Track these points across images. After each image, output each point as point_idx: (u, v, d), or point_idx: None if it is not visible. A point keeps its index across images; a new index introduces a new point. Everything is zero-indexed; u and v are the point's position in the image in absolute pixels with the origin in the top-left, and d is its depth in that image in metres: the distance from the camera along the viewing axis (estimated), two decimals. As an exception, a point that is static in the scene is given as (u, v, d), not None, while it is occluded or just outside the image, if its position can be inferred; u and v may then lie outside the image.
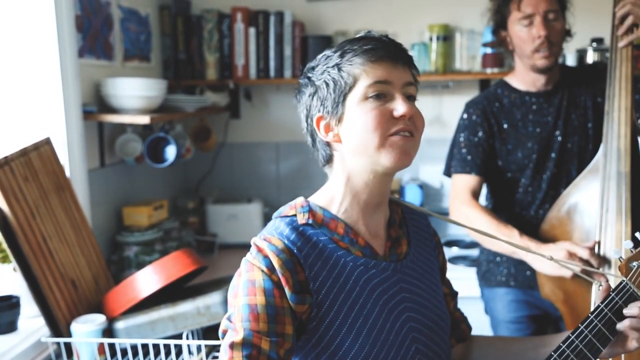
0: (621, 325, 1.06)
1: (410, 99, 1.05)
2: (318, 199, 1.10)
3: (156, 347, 1.68)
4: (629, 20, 1.66)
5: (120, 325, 1.68)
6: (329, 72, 1.04)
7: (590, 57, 2.56)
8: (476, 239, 1.93)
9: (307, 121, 1.10)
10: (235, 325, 0.97)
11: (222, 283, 1.75)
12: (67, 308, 1.70)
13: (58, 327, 1.67)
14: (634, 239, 1.15)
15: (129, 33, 2.47)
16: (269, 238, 1.02)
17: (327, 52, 1.07)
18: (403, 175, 2.89)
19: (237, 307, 0.99)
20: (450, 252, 2.68)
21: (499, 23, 1.86)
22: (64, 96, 1.97)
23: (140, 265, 2.14)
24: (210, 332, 1.74)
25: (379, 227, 1.11)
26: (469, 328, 1.29)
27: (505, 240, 1.38)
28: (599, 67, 1.97)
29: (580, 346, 1.05)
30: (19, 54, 1.93)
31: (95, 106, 2.17)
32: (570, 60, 2.60)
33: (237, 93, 2.98)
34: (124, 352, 1.69)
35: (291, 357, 0.99)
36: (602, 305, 1.08)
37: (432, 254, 1.20)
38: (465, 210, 1.84)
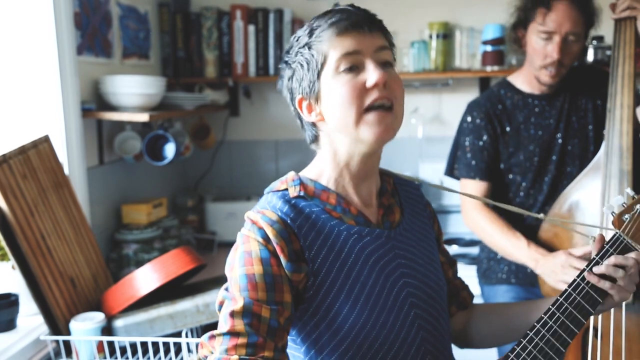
0: (608, 285, 1.05)
1: (386, 65, 1.04)
2: (308, 172, 1.12)
3: (155, 345, 1.69)
4: (626, 11, 1.68)
5: (119, 323, 1.68)
6: (301, 52, 1.05)
7: (591, 55, 2.56)
8: (487, 244, 1.92)
9: (292, 104, 1.11)
10: (234, 295, 0.97)
11: (221, 281, 1.74)
12: (66, 306, 1.70)
13: (57, 325, 1.67)
14: (627, 195, 1.16)
15: (127, 30, 2.46)
16: (263, 211, 1.04)
17: (298, 33, 1.08)
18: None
19: (234, 278, 0.99)
20: (450, 250, 2.66)
21: (522, 21, 1.83)
22: (63, 94, 1.96)
23: (139, 263, 2.14)
24: (209, 330, 1.74)
25: (371, 195, 1.12)
26: (471, 296, 1.29)
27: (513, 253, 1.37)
28: (599, 69, 1.98)
29: (578, 298, 1.05)
30: (18, 51, 1.92)
31: (94, 104, 2.17)
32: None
33: (237, 91, 2.98)
34: (123, 350, 1.69)
35: (290, 325, 1.00)
36: (597, 257, 1.09)
37: (426, 223, 1.20)
38: (474, 216, 1.86)
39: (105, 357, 1.66)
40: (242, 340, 0.92)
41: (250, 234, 1.01)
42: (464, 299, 1.27)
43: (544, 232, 1.78)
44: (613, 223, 1.14)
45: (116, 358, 1.66)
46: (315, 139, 1.11)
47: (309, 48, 1.04)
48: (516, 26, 1.86)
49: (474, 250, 2.53)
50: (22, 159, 1.70)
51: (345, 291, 1.02)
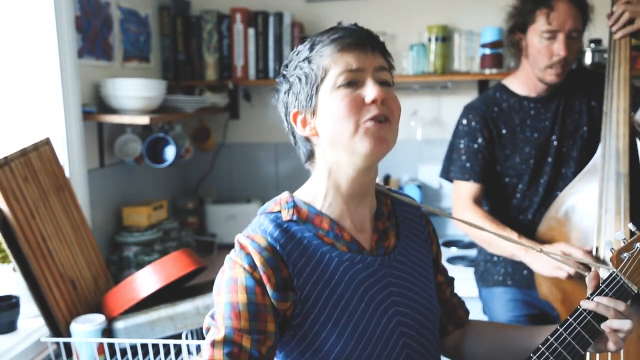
0: (603, 325, 1.05)
1: (384, 84, 1.03)
2: (303, 194, 1.10)
3: (155, 347, 1.69)
4: (624, 17, 1.68)
5: (119, 325, 1.68)
6: (300, 66, 1.04)
7: (589, 58, 2.57)
8: (479, 243, 1.93)
9: (286, 119, 1.10)
10: (217, 323, 0.97)
11: (221, 283, 1.75)
12: (66, 308, 1.70)
13: (57, 327, 1.67)
14: (629, 231, 1.15)
15: (128, 34, 2.47)
16: (252, 236, 1.02)
17: (299, 47, 1.07)
18: (402, 175, 2.90)
19: (219, 304, 0.99)
20: (448, 252, 2.68)
21: (519, 25, 1.83)
22: (64, 96, 1.97)
23: (140, 266, 2.14)
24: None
25: (365, 220, 1.10)
26: (467, 313, 1.28)
27: (503, 236, 1.37)
28: (593, 71, 1.99)
29: (569, 339, 1.04)
30: (19, 54, 1.93)
31: (95, 106, 2.18)
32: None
33: (237, 93, 2.99)
34: (123, 352, 1.69)
35: (274, 354, 0.99)
36: (591, 298, 1.07)
37: (423, 245, 1.18)
38: (466, 215, 1.86)
39: (105, 359, 1.66)
40: None
41: (237, 260, 1.00)
42: (461, 317, 1.27)
43: (540, 234, 1.79)
44: (611, 260, 1.13)
45: (116, 360, 1.67)
46: (310, 155, 1.09)
47: (309, 62, 1.03)
48: (513, 31, 1.86)
49: (472, 253, 2.54)
50: (23, 162, 1.71)
51: (332, 320, 1.01)
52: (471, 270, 2.17)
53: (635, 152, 1.69)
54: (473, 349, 1.23)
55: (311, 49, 1.04)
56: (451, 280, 1.28)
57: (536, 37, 1.77)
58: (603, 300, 1.06)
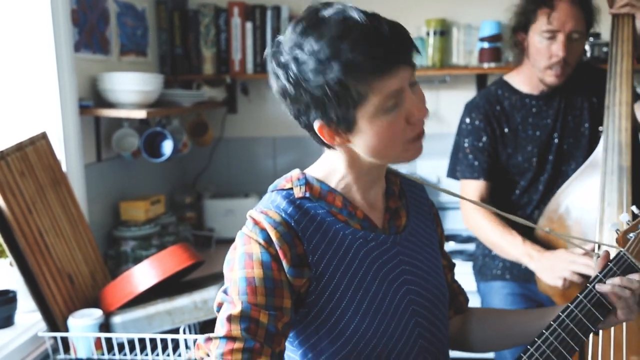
0: (607, 292, 1.07)
1: (412, 85, 0.99)
2: (315, 171, 1.08)
3: (153, 341, 1.69)
4: (626, 8, 1.69)
5: (117, 319, 1.69)
6: (329, 84, 0.91)
7: (588, 52, 2.57)
8: (485, 244, 1.93)
9: (299, 117, 1.01)
10: (233, 298, 0.96)
11: (219, 278, 1.75)
12: (63, 303, 1.70)
13: (55, 321, 1.67)
14: (632, 213, 1.16)
15: (125, 27, 2.46)
16: (266, 211, 1.00)
17: (316, 49, 0.92)
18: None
19: (233, 280, 0.97)
20: (447, 246, 2.66)
21: (522, 25, 1.82)
22: (60, 91, 1.96)
23: (137, 260, 2.14)
24: (208, 326, 1.74)
25: (377, 198, 1.10)
26: (467, 300, 1.29)
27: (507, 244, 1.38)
28: (594, 67, 1.98)
29: (580, 315, 1.06)
30: (15, 48, 1.92)
31: (92, 101, 2.17)
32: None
33: (234, 88, 2.98)
34: (121, 346, 1.69)
35: (289, 330, 0.99)
36: (600, 275, 1.09)
37: (430, 226, 1.19)
38: (475, 217, 1.87)
39: (103, 354, 1.66)
40: (238, 345, 0.92)
41: (252, 235, 0.98)
42: (461, 303, 1.27)
43: (544, 221, 1.79)
44: (617, 241, 1.14)
45: (114, 354, 1.67)
46: (329, 146, 1.03)
47: (341, 85, 0.91)
48: (516, 30, 1.85)
49: (471, 247, 2.54)
50: (19, 156, 1.70)
51: (347, 298, 1.01)
52: (469, 264, 2.17)
53: (638, 146, 1.69)
54: (473, 335, 1.24)
55: (345, 69, 0.90)
56: (453, 265, 1.28)
57: (537, 36, 1.77)
58: (616, 280, 1.07)
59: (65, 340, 1.68)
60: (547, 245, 1.75)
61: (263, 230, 0.98)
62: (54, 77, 1.94)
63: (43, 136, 1.84)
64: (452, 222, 2.85)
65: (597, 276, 1.09)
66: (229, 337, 0.92)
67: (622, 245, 1.13)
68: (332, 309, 1.00)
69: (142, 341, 1.70)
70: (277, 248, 0.97)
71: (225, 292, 0.99)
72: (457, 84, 2.87)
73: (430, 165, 2.85)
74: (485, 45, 2.65)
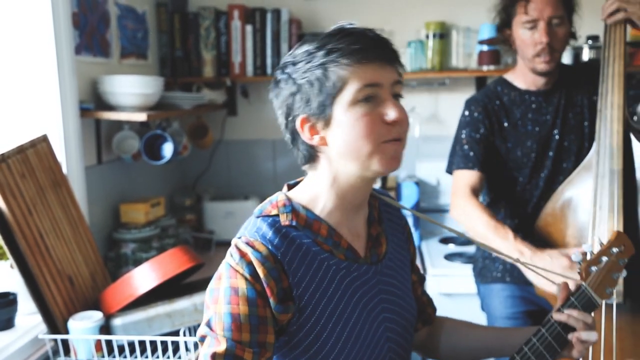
0: (571, 336, 1.13)
1: (396, 97, 1.02)
2: (300, 196, 1.07)
3: (153, 344, 1.69)
4: (613, 7, 1.69)
5: (117, 322, 1.69)
6: (313, 71, 0.98)
7: (586, 55, 2.58)
8: (471, 232, 1.93)
9: (287, 119, 1.05)
10: (217, 335, 0.96)
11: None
12: (64, 305, 1.70)
13: (55, 323, 1.68)
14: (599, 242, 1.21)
15: (125, 30, 2.47)
16: (252, 242, 0.99)
17: (309, 48, 1.00)
18: (400, 172, 2.90)
19: (218, 314, 0.97)
20: (446, 249, 2.69)
21: (505, 21, 1.87)
22: (61, 93, 1.97)
23: (137, 262, 2.14)
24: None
25: (360, 226, 1.11)
26: (434, 311, 1.32)
27: (501, 252, 1.44)
28: (595, 66, 1.98)
29: (541, 348, 1.12)
30: (16, 51, 1.93)
31: (92, 103, 2.17)
32: (566, 58, 2.62)
33: (234, 90, 2.99)
34: (121, 348, 1.69)
35: None
36: (562, 309, 1.14)
37: (404, 247, 1.20)
38: (464, 206, 1.84)
39: (103, 356, 1.67)
40: None
41: (238, 269, 0.97)
42: (429, 315, 1.30)
43: (538, 229, 1.80)
44: (580, 274, 1.19)
45: (114, 357, 1.67)
46: (311, 159, 1.06)
47: (325, 69, 0.97)
48: (501, 27, 1.89)
49: (471, 250, 2.55)
50: (20, 158, 1.71)
51: (329, 328, 1.02)
52: (469, 266, 2.18)
53: (629, 149, 1.69)
54: (440, 346, 1.28)
55: (327, 54, 0.97)
56: (423, 279, 1.31)
57: (520, 29, 1.81)
58: (573, 313, 1.13)
59: (65, 343, 1.68)
60: (545, 240, 1.75)
61: (250, 265, 0.97)
62: (54, 80, 1.95)
63: (44, 138, 1.85)
64: (451, 225, 2.84)
65: (559, 309, 1.15)
66: None
67: (584, 278, 1.18)
68: (313, 338, 1.01)
69: (142, 343, 1.70)
70: (264, 285, 0.97)
71: (209, 325, 0.98)
72: (456, 87, 2.88)
73: (430, 167, 2.86)
74: (484, 48, 2.66)
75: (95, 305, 1.80)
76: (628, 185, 1.63)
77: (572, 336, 1.12)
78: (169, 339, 1.65)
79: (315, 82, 0.99)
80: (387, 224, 1.17)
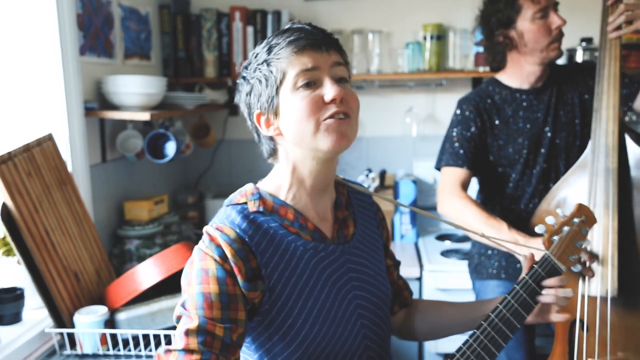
0: (542, 297, 1.19)
1: (341, 81, 1.08)
2: (267, 185, 1.15)
3: (157, 337, 1.72)
4: (621, 19, 1.70)
5: (121, 316, 1.72)
6: (259, 69, 1.08)
7: (580, 56, 2.60)
8: (463, 229, 1.95)
9: (250, 119, 1.14)
10: (190, 313, 1.00)
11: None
12: (70, 300, 1.73)
13: (61, 318, 1.71)
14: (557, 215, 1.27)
15: (129, 31, 2.50)
16: (222, 227, 1.05)
17: (257, 49, 1.10)
18: (397, 171, 2.94)
19: (191, 294, 1.02)
20: (443, 245, 2.72)
21: (504, 23, 1.86)
22: (66, 93, 1.99)
23: (141, 259, 2.17)
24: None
25: (326, 209, 1.16)
26: (411, 294, 1.38)
27: (493, 237, 1.45)
28: (585, 66, 2.02)
29: (508, 315, 1.17)
30: (22, 52, 1.95)
31: (97, 103, 2.20)
32: (561, 59, 2.64)
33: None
34: (125, 342, 1.73)
35: (243, 340, 1.04)
36: (526, 277, 1.20)
37: (375, 231, 1.26)
38: (454, 201, 1.85)
39: (108, 349, 1.70)
40: (196, 357, 0.95)
41: (208, 251, 1.03)
42: (406, 298, 1.36)
43: (533, 226, 1.82)
44: (543, 244, 1.26)
45: (119, 350, 1.70)
46: (273, 152, 1.14)
47: (268, 65, 1.06)
48: (492, 34, 1.89)
49: (466, 246, 2.58)
50: (26, 157, 1.73)
51: (299, 306, 1.07)
52: (465, 263, 2.21)
53: (624, 148, 1.72)
54: (416, 327, 1.33)
55: (269, 51, 1.07)
56: (398, 263, 1.36)
57: (528, 23, 1.82)
58: (553, 285, 1.20)
59: (71, 336, 1.71)
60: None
61: (218, 247, 1.03)
62: (60, 80, 1.97)
63: (49, 137, 1.87)
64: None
65: (524, 277, 1.20)
66: (187, 350, 0.97)
67: (547, 247, 1.24)
68: (284, 317, 1.06)
69: (146, 337, 1.73)
70: (232, 264, 1.02)
71: (183, 305, 1.03)
72: (453, 87, 2.91)
73: (427, 166, 2.89)
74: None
75: (100, 300, 1.83)
76: (622, 184, 1.66)
77: (546, 296, 1.18)
78: (173, 332, 1.67)
79: (262, 78, 1.08)
80: (357, 209, 1.23)
